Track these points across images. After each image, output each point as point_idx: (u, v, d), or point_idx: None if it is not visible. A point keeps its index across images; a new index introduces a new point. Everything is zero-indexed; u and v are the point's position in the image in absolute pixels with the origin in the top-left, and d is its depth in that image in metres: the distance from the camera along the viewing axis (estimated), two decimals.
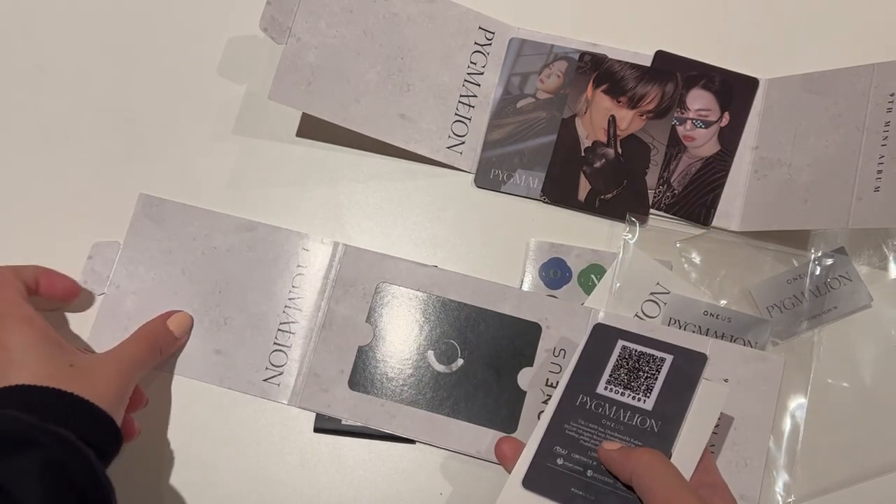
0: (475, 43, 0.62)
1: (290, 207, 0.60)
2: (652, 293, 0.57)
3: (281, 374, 0.56)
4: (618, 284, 0.57)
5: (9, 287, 0.51)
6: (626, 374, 0.48)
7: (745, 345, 0.56)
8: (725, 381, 0.55)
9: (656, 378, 0.48)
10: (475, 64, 0.62)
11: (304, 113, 0.62)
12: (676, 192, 0.60)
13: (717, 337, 0.56)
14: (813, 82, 0.59)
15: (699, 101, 0.61)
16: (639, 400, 0.47)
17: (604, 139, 0.61)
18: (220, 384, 0.56)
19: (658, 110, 0.61)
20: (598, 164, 0.61)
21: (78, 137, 0.62)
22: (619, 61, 0.62)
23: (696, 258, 0.59)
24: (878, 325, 0.57)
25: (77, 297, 0.57)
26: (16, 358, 0.47)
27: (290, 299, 0.57)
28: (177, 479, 0.55)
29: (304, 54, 0.58)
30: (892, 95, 0.55)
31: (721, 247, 0.59)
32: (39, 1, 0.65)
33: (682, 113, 0.61)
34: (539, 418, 0.49)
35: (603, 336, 0.50)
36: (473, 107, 0.62)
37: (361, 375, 0.56)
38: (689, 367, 0.48)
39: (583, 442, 0.47)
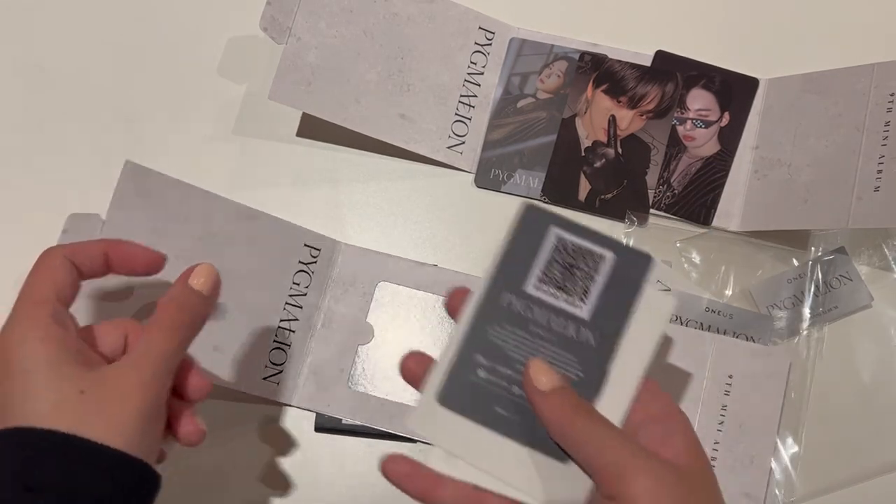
0: (475, 43, 0.62)
1: (290, 207, 0.60)
2: None
3: (281, 372, 0.56)
4: None
5: (46, 277, 0.42)
6: (559, 272, 0.41)
7: (747, 341, 0.56)
8: (730, 376, 0.54)
9: (593, 279, 0.40)
10: (475, 64, 0.62)
11: (304, 113, 0.61)
12: (676, 191, 0.60)
13: (719, 334, 0.56)
14: (813, 82, 0.59)
15: (699, 100, 0.61)
16: (574, 305, 0.40)
17: (604, 139, 0.61)
18: (217, 382, 0.54)
19: (658, 110, 0.61)
20: (598, 164, 0.61)
21: (78, 137, 0.62)
22: (620, 61, 0.62)
23: (696, 258, 0.58)
24: (878, 325, 0.57)
25: (162, 268, 0.46)
26: (21, 378, 0.39)
27: (290, 296, 0.57)
28: (176, 479, 0.55)
29: (304, 54, 0.58)
30: (892, 95, 0.55)
31: (721, 246, 0.59)
32: (39, 1, 0.65)
33: (682, 113, 0.61)
34: None
35: (534, 221, 0.42)
36: (473, 107, 0.62)
37: (361, 374, 0.56)
38: (632, 268, 0.41)
39: (508, 352, 0.39)
